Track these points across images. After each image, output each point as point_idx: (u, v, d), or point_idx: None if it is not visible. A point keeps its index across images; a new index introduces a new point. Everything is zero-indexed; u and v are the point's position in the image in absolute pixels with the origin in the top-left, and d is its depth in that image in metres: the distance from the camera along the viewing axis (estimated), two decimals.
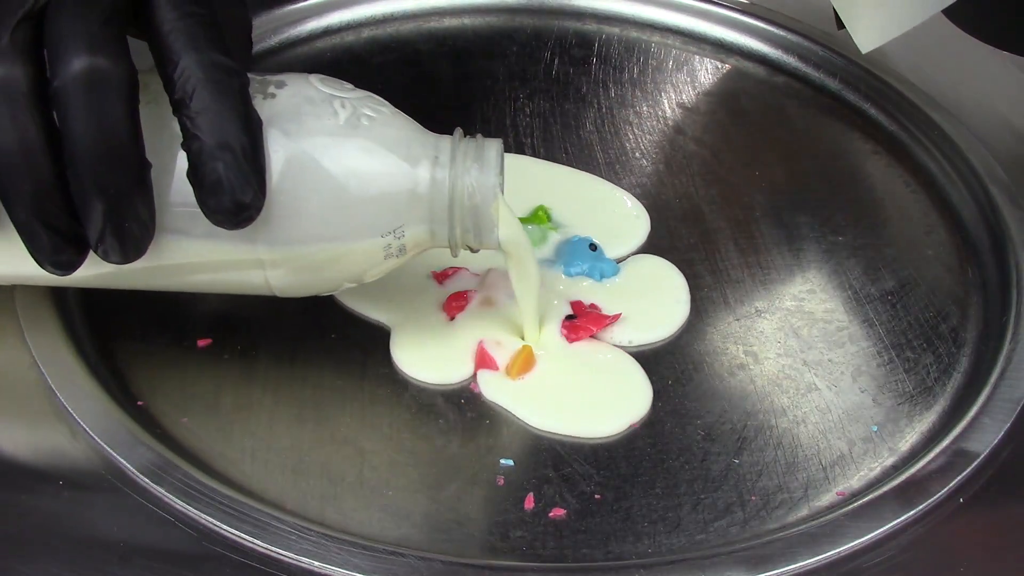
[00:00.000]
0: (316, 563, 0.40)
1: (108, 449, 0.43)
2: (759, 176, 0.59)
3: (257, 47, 0.62)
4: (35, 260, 0.39)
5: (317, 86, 0.42)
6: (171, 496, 0.42)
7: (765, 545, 0.42)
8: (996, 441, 0.45)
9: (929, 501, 0.43)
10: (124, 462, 0.42)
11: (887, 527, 0.42)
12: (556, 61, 0.65)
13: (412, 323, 0.50)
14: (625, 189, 0.58)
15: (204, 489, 0.42)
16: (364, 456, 0.45)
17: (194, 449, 0.45)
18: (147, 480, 0.42)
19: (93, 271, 0.41)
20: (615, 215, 0.56)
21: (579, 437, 0.46)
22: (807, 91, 0.65)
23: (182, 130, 0.38)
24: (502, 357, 0.48)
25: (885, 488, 0.44)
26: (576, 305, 0.51)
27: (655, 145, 0.61)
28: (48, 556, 0.40)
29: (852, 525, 0.42)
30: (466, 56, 0.65)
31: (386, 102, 0.43)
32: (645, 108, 0.63)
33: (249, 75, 0.41)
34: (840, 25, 0.61)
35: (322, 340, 0.49)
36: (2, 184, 0.37)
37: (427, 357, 0.48)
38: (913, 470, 0.45)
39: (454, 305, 0.50)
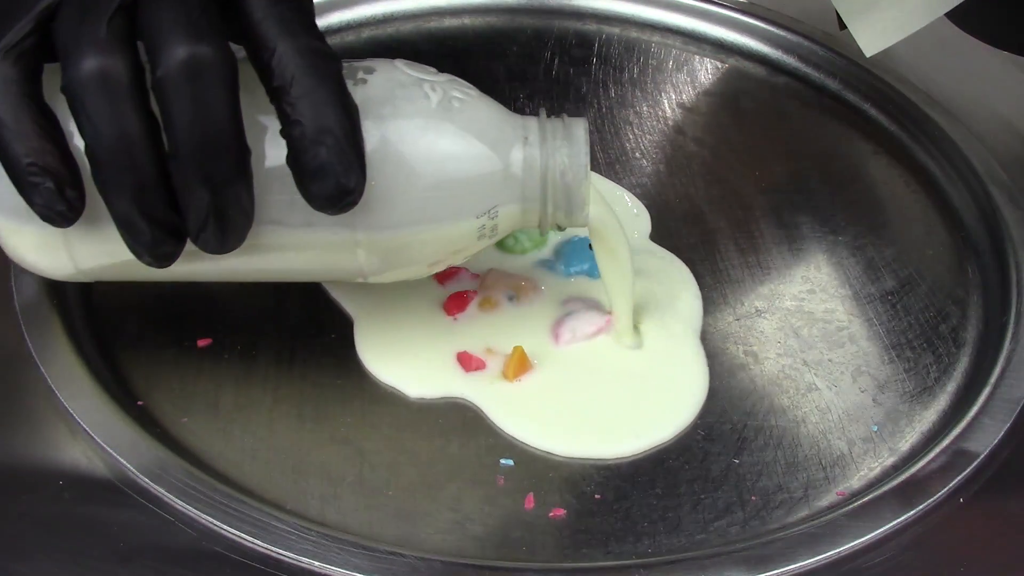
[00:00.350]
0: (316, 563, 0.40)
1: (108, 449, 0.43)
2: (759, 176, 0.59)
3: None
4: (134, 253, 0.39)
5: (405, 70, 0.43)
6: (171, 496, 0.42)
7: (765, 545, 0.42)
8: (996, 441, 0.45)
9: (929, 501, 0.43)
10: (124, 462, 0.42)
11: (887, 527, 0.42)
12: (556, 61, 0.65)
13: (404, 327, 0.50)
14: (625, 189, 0.58)
15: (204, 489, 0.42)
16: (364, 456, 0.45)
17: (194, 449, 0.45)
18: (147, 480, 0.42)
19: (187, 263, 0.40)
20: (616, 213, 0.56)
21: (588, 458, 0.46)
22: (807, 91, 0.65)
23: (281, 117, 0.38)
24: (495, 362, 0.48)
25: (885, 488, 0.44)
26: (574, 304, 0.51)
27: (655, 145, 0.61)
28: (48, 556, 0.40)
29: (852, 525, 0.42)
30: (466, 56, 0.65)
31: (471, 85, 0.44)
32: (645, 108, 0.63)
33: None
34: (842, 26, 0.61)
35: (322, 340, 0.49)
36: (104, 177, 0.37)
37: (408, 367, 0.48)
38: (913, 470, 0.45)
39: (454, 305, 0.50)
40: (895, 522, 0.43)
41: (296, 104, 0.37)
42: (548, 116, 0.44)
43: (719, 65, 0.66)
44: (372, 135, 0.40)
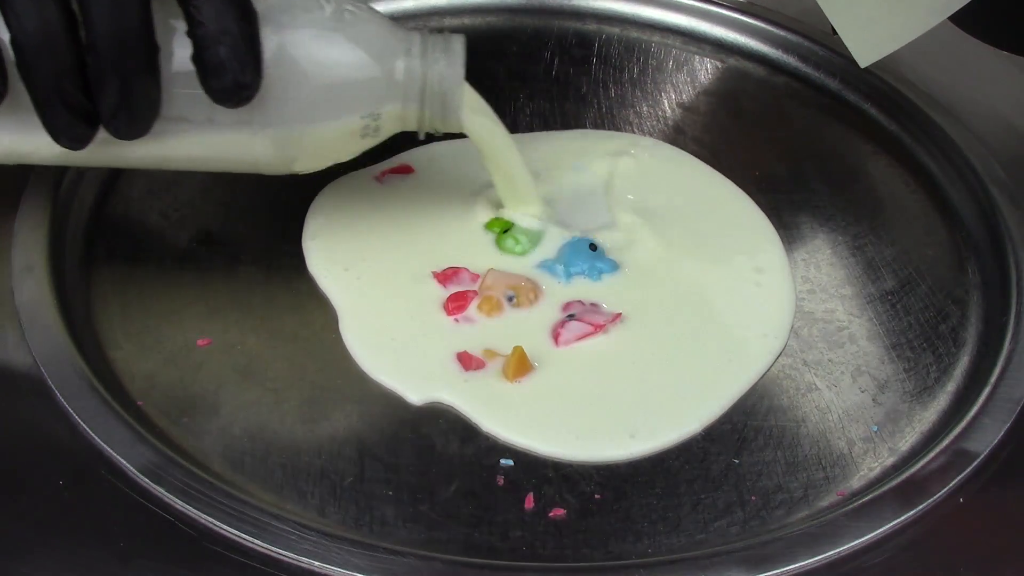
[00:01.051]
0: (316, 563, 0.40)
1: (108, 449, 0.43)
2: (759, 176, 0.59)
3: None
4: (51, 135, 0.43)
5: None
6: (171, 496, 0.42)
7: (765, 545, 0.42)
8: (996, 441, 0.45)
9: (929, 501, 0.43)
10: (124, 462, 0.42)
11: (887, 527, 0.42)
12: (556, 61, 0.65)
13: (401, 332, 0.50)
14: None
15: (204, 489, 0.42)
16: (364, 456, 0.45)
17: (194, 449, 0.45)
18: (147, 480, 0.42)
19: (99, 149, 0.44)
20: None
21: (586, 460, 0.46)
22: (807, 91, 0.65)
23: (188, 19, 0.42)
24: (495, 362, 0.48)
25: (885, 488, 0.44)
26: (574, 305, 0.51)
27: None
28: (48, 556, 0.40)
29: (852, 525, 0.42)
30: (466, 56, 0.65)
31: (364, 1, 0.49)
32: (645, 108, 0.63)
33: None
34: (834, 31, 0.61)
35: (322, 339, 0.49)
36: (26, 64, 0.41)
37: (408, 368, 0.48)
38: (913, 470, 0.45)
39: (454, 306, 0.50)
40: (895, 522, 0.43)
41: (201, 8, 0.41)
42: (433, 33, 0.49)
43: (719, 65, 0.66)
44: (271, 40, 0.44)
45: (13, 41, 0.41)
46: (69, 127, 0.42)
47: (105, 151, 0.45)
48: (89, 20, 0.41)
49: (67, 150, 0.43)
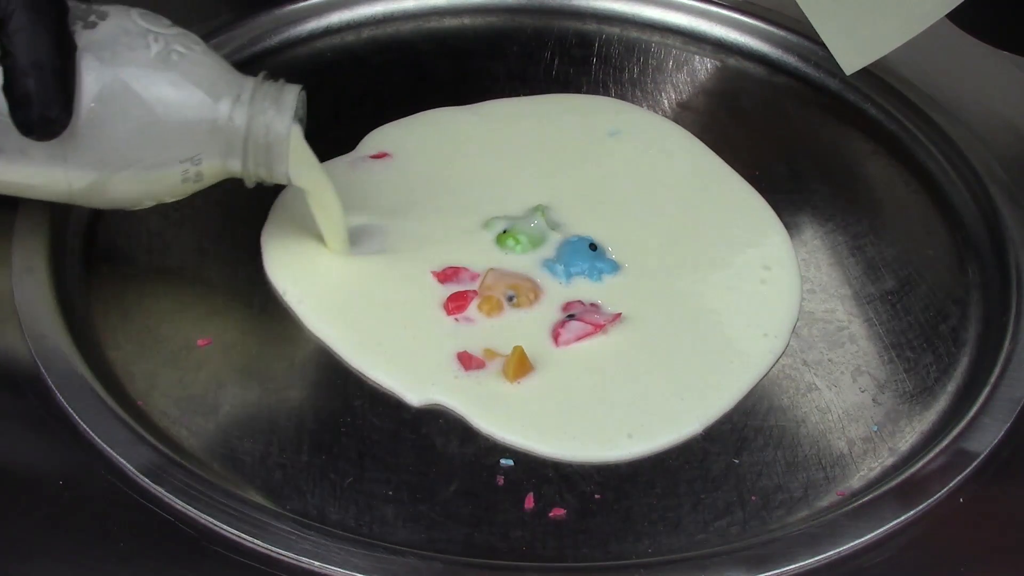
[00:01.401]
0: (316, 563, 0.40)
1: (108, 449, 0.43)
2: (759, 176, 0.59)
3: (257, 47, 0.63)
4: None
5: (136, 20, 0.46)
6: (171, 496, 0.42)
7: (765, 545, 0.42)
8: (996, 441, 0.45)
9: (929, 501, 0.43)
10: (124, 462, 0.42)
11: (887, 527, 0.42)
12: (556, 61, 0.65)
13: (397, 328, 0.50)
14: None
15: (204, 489, 0.42)
16: (364, 456, 0.45)
17: (194, 449, 0.45)
18: (147, 480, 0.42)
19: None
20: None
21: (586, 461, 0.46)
22: (807, 91, 0.65)
23: (0, 48, 0.41)
24: (495, 362, 0.48)
25: (885, 488, 0.44)
26: (574, 305, 0.51)
27: None
28: (48, 556, 0.40)
29: (852, 525, 0.42)
30: (466, 56, 0.65)
31: (201, 41, 0.47)
32: (645, 108, 0.63)
33: (73, 3, 0.44)
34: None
35: (322, 340, 0.49)
36: None
37: (408, 367, 0.48)
38: (913, 470, 0.45)
39: (454, 305, 0.50)
40: (895, 522, 0.43)
41: (12, 37, 0.41)
42: (273, 80, 0.47)
43: (719, 65, 0.66)
44: (89, 76, 0.44)
45: None
46: None
47: None
48: None
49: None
